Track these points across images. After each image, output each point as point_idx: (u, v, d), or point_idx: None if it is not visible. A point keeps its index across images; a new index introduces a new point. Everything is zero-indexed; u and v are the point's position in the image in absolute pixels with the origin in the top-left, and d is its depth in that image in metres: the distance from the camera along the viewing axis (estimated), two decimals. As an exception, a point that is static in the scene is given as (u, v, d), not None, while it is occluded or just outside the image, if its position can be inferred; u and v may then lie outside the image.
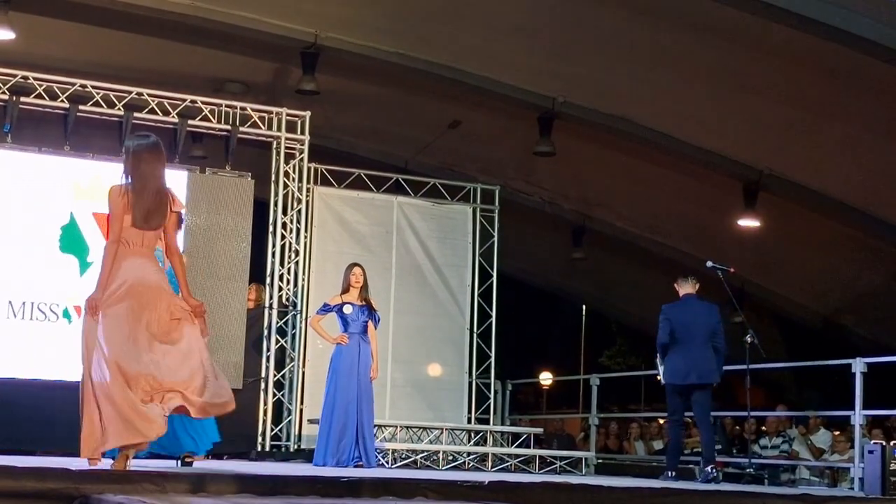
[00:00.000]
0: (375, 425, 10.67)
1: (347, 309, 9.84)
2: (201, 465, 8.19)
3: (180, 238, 11.34)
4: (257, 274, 12.16)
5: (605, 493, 6.72)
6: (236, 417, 11.48)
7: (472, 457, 11.86)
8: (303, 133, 12.36)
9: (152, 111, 11.66)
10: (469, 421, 13.33)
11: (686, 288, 10.42)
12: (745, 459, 11.16)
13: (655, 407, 11.61)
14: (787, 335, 21.17)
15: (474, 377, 13.51)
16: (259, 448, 11.58)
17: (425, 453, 11.50)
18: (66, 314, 10.90)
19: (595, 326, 27.39)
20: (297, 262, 12.25)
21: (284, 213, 12.23)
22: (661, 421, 14.83)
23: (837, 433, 12.90)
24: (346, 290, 9.91)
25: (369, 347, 9.84)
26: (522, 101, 14.59)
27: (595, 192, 18.22)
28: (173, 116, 11.72)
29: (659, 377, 10.43)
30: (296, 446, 11.92)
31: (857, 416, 10.20)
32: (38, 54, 13.07)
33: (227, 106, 12.08)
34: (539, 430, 14.27)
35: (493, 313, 13.70)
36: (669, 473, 10.29)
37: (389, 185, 13.62)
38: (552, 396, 29.31)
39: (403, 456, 11.19)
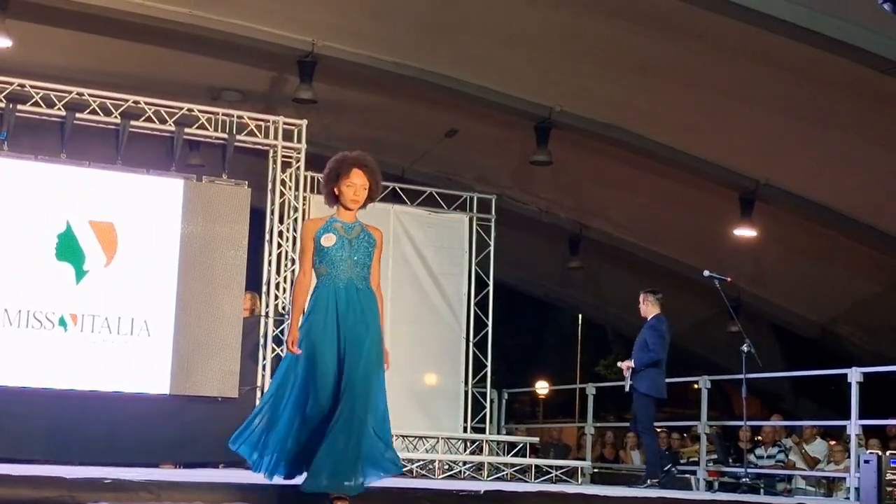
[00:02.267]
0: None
1: (344, 317, 9.82)
2: (199, 473, 8.18)
3: (176, 249, 11.37)
4: (253, 282, 12.15)
5: (600, 503, 6.73)
6: (232, 426, 11.53)
7: (467, 466, 11.85)
8: (299, 141, 12.35)
9: (149, 119, 11.66)
10: (465, 430, 13.32)
11: (657, 307, 11.02)
12: (741, 469, 11.16)
13: (652, 416, 11.80)
14: (784, 345, 21.19)
15: (470, 386, 13.50)
16: (255, 457, 11.55)
17: (421, 462, 11.49)
18: (62, 322, 10.87)
19: (591, 335, 27.39)
20: (293, 271, 12.24)
21: (281, 221, 12.23)
22: (658, 430, 14.84)
23: (833, 443, 12.91)
24: (342, 299, 9.89)
25: (365, 356, 9.81)
26: (519, 111, 14.60)
27: (592, 202, 18.24)
28: (170, 125, 11.71)
29: (626, 387, 10.95)
30: (291, 455, 11.88)
31: (853, 426, 10.20)
32: (35, 62, 13.07)
33: (223, 114, 12.08)
34: (535, 440, 14.29)
35: (490, 322, 13.70)
36: (651, 481, 10.46)
37: (386, 194, 13.62)
38: (548, 405, 29.29)
39: (399, 465, 11.16)
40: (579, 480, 12.05)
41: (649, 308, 10.99)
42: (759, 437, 13.67)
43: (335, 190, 6.02)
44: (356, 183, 5.99)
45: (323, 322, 5.85)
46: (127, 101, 11.60)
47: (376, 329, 5.94)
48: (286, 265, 12.21)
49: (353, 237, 5.99)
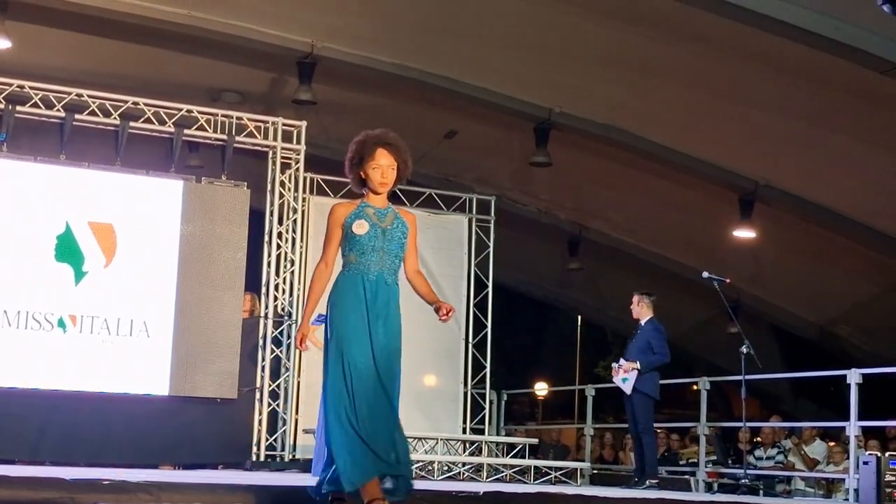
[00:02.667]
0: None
1: (343, 319, 9.83)
2: (198, 474, 8.18)
3: (175, 250, 11.38)
4: (252, 283, 12.16)
5: (600, 504, 6.72)
6: (231, 427, 11.57)
7: (467, 467, 11.84)
8: (299, 143, 12.36)
9: (148, 120, 11.66)
10: (464, 431, 13.32)
11: (651, 310, 11.00)
12: (740, 470, 11.15)
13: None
14: (783, 346, 21.20)
15: (469, 387, 13.50)
16: (254, 458, 11.56)
17: (420, 463, 11.48)
18: (61, 323, 10.88)
19: (590, 337, 27.34)
20: (292, 272, 12.25)
21: (280, 222, 12.23)
22: (658, 431, 14.86)
23: (833, 444, 12.91)
24: (341, 300, 9.92)
25: (364, 358, 9.82)
26: (519, 112, 14.60)
27: (591, 203, 18.24)
28: (169, 126, 11.72)
29: (628, 390, 10.77)
30: (290, 456, 11.90)
31: (853, 427, 10.20)
32: (35, 63, 13.07)
33: (223, 115, 12.08)
34: (534, 441, 14.26)
35: (489, 323, 13.69)
36: (651, 482, 10.46)
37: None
38: (547, 407, 29.27)
39: (398, 466, 11.15)
40: (578, 482, 12.04)
41: (644, 310, 10.95)
42: (759, 439, 13.67)
43: (361, 174, 5.55)
44: (382, 164, 5.54)
45: (354, 315, 5.41)
46: (126, 102, 11.61)
47: (398, 327, 5.58)
48: (285, 266, 12.22)
49: (387, 226, 5.56)
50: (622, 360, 10.88)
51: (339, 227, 5.50)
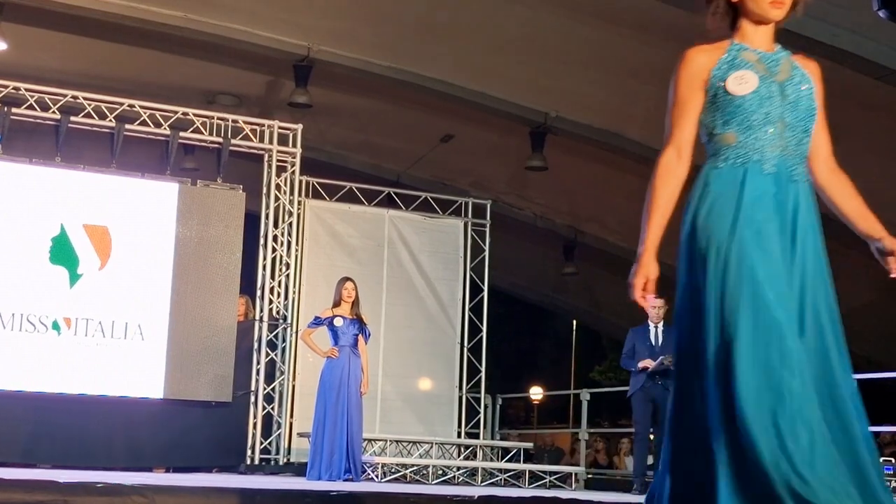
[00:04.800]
0: (365, 439, 10.67)
1: (338, 322, 9.85)
2: (192, 477, 8.17)
3: (170, 253, 11.36)
4: (248, 287, 12.15)
5: (594, 509, 6.72)
6: (226, 430, 11.56)
7: (461, 471, 11.84)
8: (295, 146, 12.36)
9: (144, 123, 11.66)
10: (459, 435, 13.32)
11: None
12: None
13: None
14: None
15: (464, 391, 13.50)
16: (248, 461, 11.55)
17: (415, 467, 11.48)
18: (56, 326, 10.87)
19: (586, 341, 27.39)
20: (287, 275, 12.24)
21: (276, 225, 12.23)
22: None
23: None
24: (337, 304, 9.93)
25: (359, 361, 9.84)
26: (515, 116, 14.60)
27: (587, 207, 18.23)
28: (165, 128, 11.72)
29: None
30: (285, 460, 11.90)
31: (847, 433, 10.18)
32: (30, 65, 13.06)
33: (219, 118, 12.09)
34: (529, 445, 14.27)
35: (484, 327, 13.69)
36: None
37: (381, 199, 13.63)
38: (542, 411, 29.28)
39: (393, 470, 11.17)
40: (573, 486, 12.03)
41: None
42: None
43: None
44: None
45: (752, 244, 3.22)
46: (122, 104, 11.61)
47: (824, 260, 3.42)
48: (280, 270, 12.22)
49: (785, 79, 3.41)
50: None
51: (704, 82, 3.38)
